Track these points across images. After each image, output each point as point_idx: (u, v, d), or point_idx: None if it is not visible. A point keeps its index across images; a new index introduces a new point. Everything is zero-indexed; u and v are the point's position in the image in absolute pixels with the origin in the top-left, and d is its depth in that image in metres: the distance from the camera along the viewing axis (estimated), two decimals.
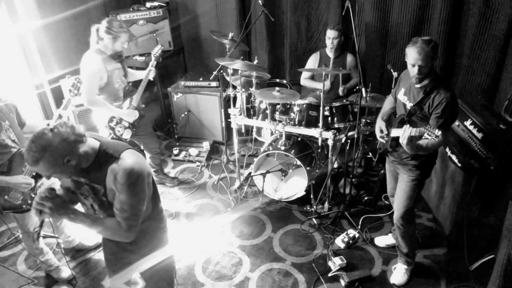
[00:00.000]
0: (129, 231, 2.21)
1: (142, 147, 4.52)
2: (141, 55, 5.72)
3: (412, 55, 2.85)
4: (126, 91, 4.13)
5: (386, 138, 3.26)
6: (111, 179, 2.09)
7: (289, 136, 4.54)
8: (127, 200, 2.11)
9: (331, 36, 4.78)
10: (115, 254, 2.55)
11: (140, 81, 4.19)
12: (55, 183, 3.49)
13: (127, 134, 4.13)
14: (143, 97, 4.21)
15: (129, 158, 2.11)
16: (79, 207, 2.37)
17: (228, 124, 4.90)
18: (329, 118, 4.30)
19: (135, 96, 4.13)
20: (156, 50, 4.30)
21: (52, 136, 1.94)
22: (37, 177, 3.14)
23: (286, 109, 4.42)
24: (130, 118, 4.12)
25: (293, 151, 4.37)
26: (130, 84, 4.20)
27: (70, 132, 1.99)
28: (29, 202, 3.13)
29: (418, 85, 2.99)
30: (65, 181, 2.45)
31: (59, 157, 1.96)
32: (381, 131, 3.28)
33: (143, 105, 4.28)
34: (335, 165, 4.73)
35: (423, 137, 2.75)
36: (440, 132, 2.63)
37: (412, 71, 2.91)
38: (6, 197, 3.02)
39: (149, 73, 4.21)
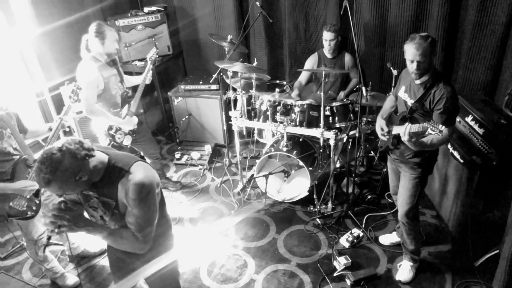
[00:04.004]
0: (145, 242, 2.22)
1: (142, 153, 4.51)
2: (140, 60, 5.72)
3: (411, 51, 2.86)
4: (124, 97, 4.10)
5: (387, 136, 3.26)
6: (123, 194, 2.09)
7: (290, 137, 4.54)
8: (141, 214, 2.12)
9: (327, 38, 4.77)
10: (121, 260, 2.53)
11: (137, 86, 4.18)
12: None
13: (127, 141, 4.11)
14: (143, 102, 4.20)
15: (138, 172, 2.09)
16: None
17: (229, 127, 4.90)
18: (330, 118, 4.30)
19: (133, 102, 4.11)
20: (151, 54, 4.29)
21: (61, 154, 1.91)
22: None
23: (287, 110, 4.41)
24: (129, 127, 4.11)
25: (295, 152, 4.37)
26: (127, 90, 4.18)
27: (79, 147, 1.96)
28: (34, 208, 3.14)
29: (418, 81, 3.00)
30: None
31: (70, 175, 1.94)
32: (382, 129, 3.29)
33: (142, 111, 4.27)
34: (338, 165, 4.73)
35: (427, 133, 2.75)
36: (443, 127, 2.63)
37: (411, 67, 2.92)
38: (11, 204, 3.03)
39: (146, 78, 4.21)
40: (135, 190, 2.05)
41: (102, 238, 2.19)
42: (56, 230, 2.07)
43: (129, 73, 5.01)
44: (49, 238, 2.22)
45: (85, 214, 2.36)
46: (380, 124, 3.33)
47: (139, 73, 4.58)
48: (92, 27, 3.75)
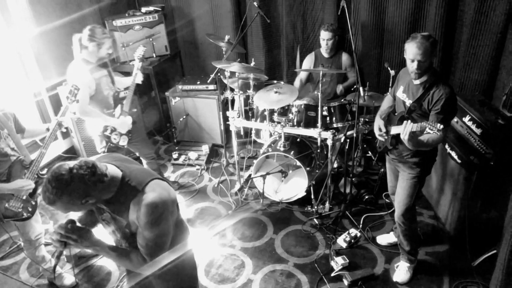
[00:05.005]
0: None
1: (137, 154, 4.48)
2: None
3: (412, 50, 2.84)
4: (116, 98, 4.06)
5: (386, 137, 3.26)
6: (134, 213, 2.02)
7: (288, 137, 4.54)
8: (152, 237, 2.03)
9: (325, 37, 4.76)
10: None
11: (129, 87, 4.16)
12: None
13: (123, 141, 4.07)
14: (140, 103, 4.19)
15: (151, 193, 2.00)
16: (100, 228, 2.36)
17: (227, 127, 4.90)
18: (328, 118, 4.30)
19: (125, 101, 4.06)
20: (139, 53, 4.25)
21: (70, 177, 1.84)
22: (38, 182, 3.14)
23: (285, 110, 4.42)
24: (124, 128, 4.05)
25: (292, 152, 4.37)
26: (119, 90, 4.15)
27: (90, 173, 1.88)
28: (30, 209, 3.13)
29: (417, 82, 3.00)
30: None
31: (77, 198, 1.88)
32: (380, 130, 3.29)
33: (135, 110, 4.22)
34: (335, 165, 4.73)
35: (425, 132, 2.75)
36: (442, 126, 2.63)
37: (411, 66, 2.90)
38: (6, 205, 3.02)
39: (136, 77, 4.15)
40: (146, 212, 1.97)
41: (110, 258, 2.15)
42: (63, 247, 2.04)
43: (127, 73, 5.00)
44: (58, 257, 2.16)
45: (99, 225, 2.34)
46: (378, 124, 3.33)
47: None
48: (89, 31, 3.70)
